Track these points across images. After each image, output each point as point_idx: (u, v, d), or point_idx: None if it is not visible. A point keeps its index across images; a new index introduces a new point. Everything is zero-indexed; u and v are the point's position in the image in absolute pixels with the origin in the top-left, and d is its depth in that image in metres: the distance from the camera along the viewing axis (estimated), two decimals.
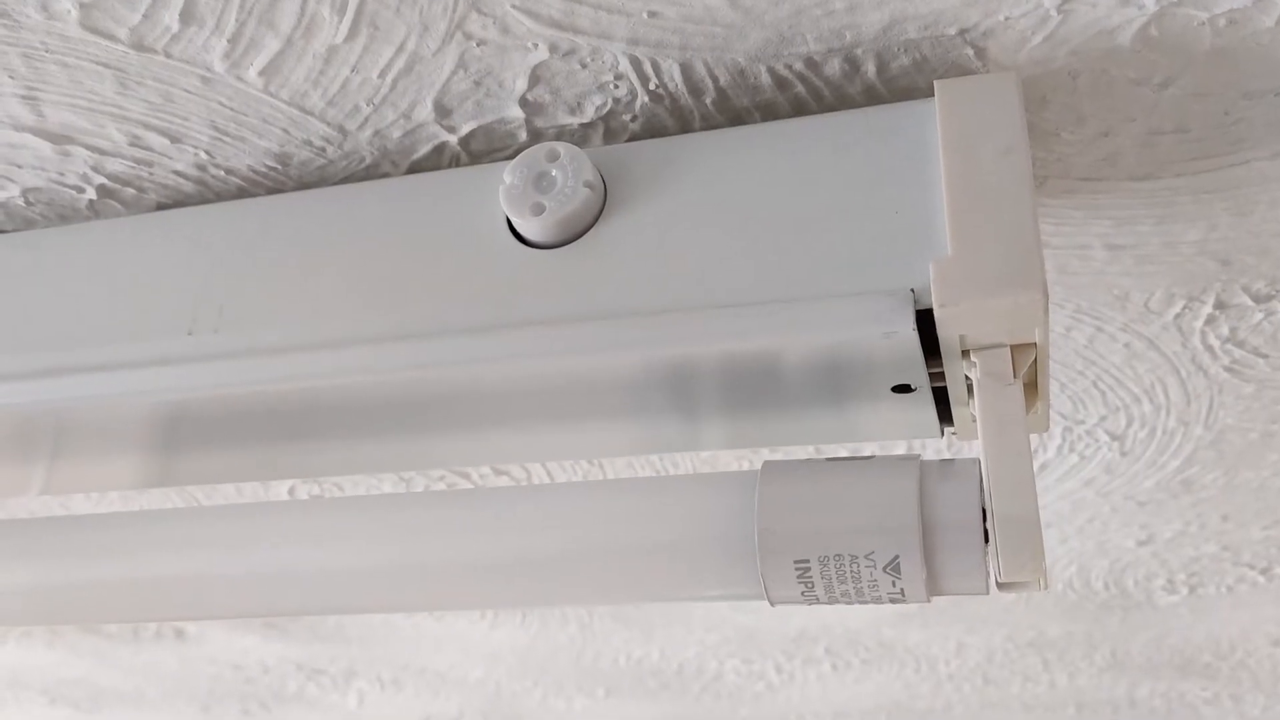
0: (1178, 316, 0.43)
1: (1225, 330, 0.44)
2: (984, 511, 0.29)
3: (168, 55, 0.33)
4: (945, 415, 0.34)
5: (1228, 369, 0.46)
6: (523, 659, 0.97)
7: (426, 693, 1.09)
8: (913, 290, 0.29)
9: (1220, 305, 0.42)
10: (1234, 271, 0.40)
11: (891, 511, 0.29)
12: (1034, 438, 0.53)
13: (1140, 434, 0.52)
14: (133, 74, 0.33)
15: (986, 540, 0.29)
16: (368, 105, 0.34)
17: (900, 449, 0.51)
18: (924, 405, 0.33)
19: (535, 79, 0.33)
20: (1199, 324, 0.43)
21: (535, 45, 0.32)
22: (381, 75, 0.33)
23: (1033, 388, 0.32)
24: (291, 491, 0.60)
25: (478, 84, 0.33)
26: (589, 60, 0.32)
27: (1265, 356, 0.45)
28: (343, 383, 0.33)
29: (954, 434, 0.35)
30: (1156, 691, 0.96)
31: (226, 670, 1.02)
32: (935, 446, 0.53)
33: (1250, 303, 0.42)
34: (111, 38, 0.32)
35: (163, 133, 0.35)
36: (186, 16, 0.31)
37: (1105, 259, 0.40)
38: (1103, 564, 0.69)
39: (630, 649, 0.93)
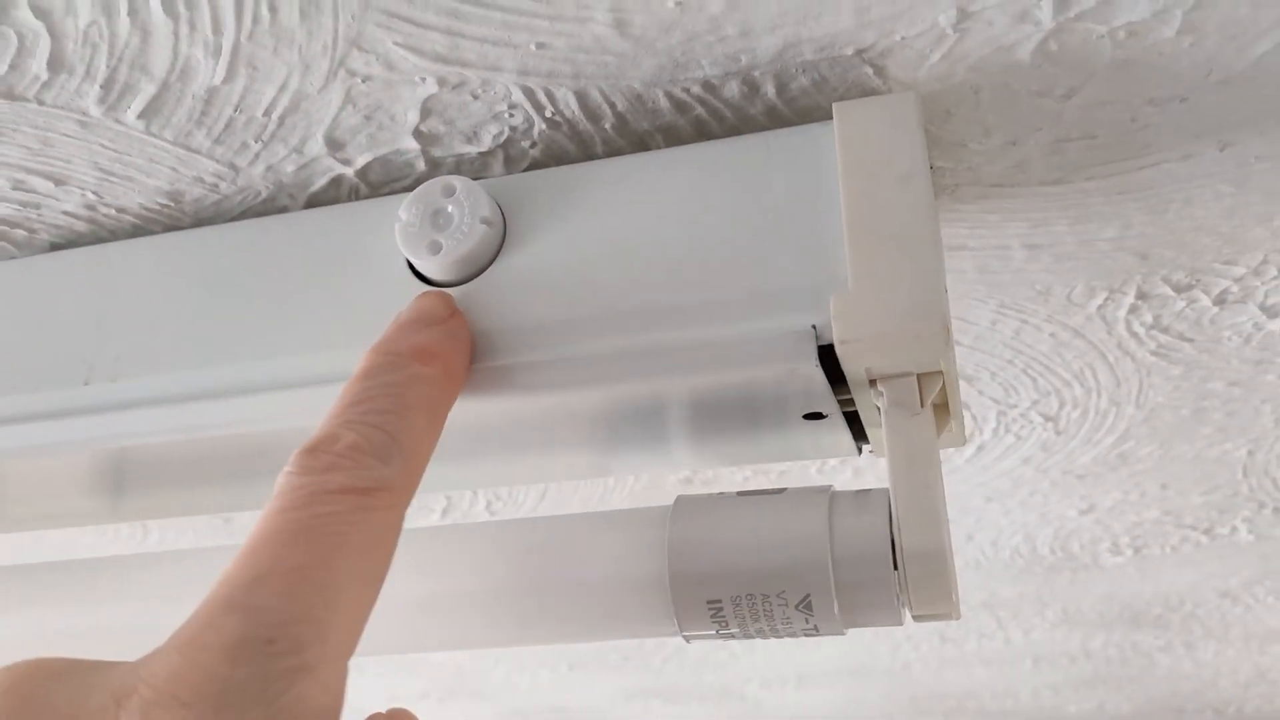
0: (1100, 307, 0.43)
1: (1149, 318, 0.43)
2: (894, 545, 0.28)
3: (40, 102, 0.31)
4: (861, 434, 0.33)
5: (1154, 353, 0.46)
6: None
7: (391, 673, 1.10)
8: (814, 326, 0.28)
9: (1142, 295, 0.42)
10: (1153, 264, 0.40)
11: (801, 550, 0.28)
12: (969, 421, 0.53)
13: (1073, 415, 0.52)
14: (6, 121, 0.32)
15: (897, 571, 0.28)
16: (256, 142, 0.33)
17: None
18: (838, 430, 0.32)
19: (427, 111, 0.32)
20: (1122, 313, 0.43)
21: (423, 79, 0.31)
22: (266, 113, 0.32)
23: (944, 408, 0.31)
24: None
25: (368, 118, 0.32)
26: (480, 92, 0.31)
27: (1191, 340, 0.45)
28: (247, 430, 0.33)
29: (871, 452, 0.34)
30: (1111, 642, 0.98)
31: None
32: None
33: (1171, 293, 0.41)
34: None
35: (46, 176, 0.34)
36: (55, 64, 0.30)
37: (1024, 258, 0.39)
38: (1047, 532, 0.69)
39: None
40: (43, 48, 0.29)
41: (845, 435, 0.33)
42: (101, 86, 0.31)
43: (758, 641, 0.98)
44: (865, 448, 0.34)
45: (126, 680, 0.20)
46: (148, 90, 0.31)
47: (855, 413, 0.32)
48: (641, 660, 1.03)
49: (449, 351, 0.29)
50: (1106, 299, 0.42)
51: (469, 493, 0.60)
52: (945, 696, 1.22)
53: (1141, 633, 0.94)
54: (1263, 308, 0.42)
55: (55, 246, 0.37)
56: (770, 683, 1.14)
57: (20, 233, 0.37)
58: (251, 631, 0.21)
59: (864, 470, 0.57)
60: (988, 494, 0.63)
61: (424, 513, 0.62)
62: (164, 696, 0.20)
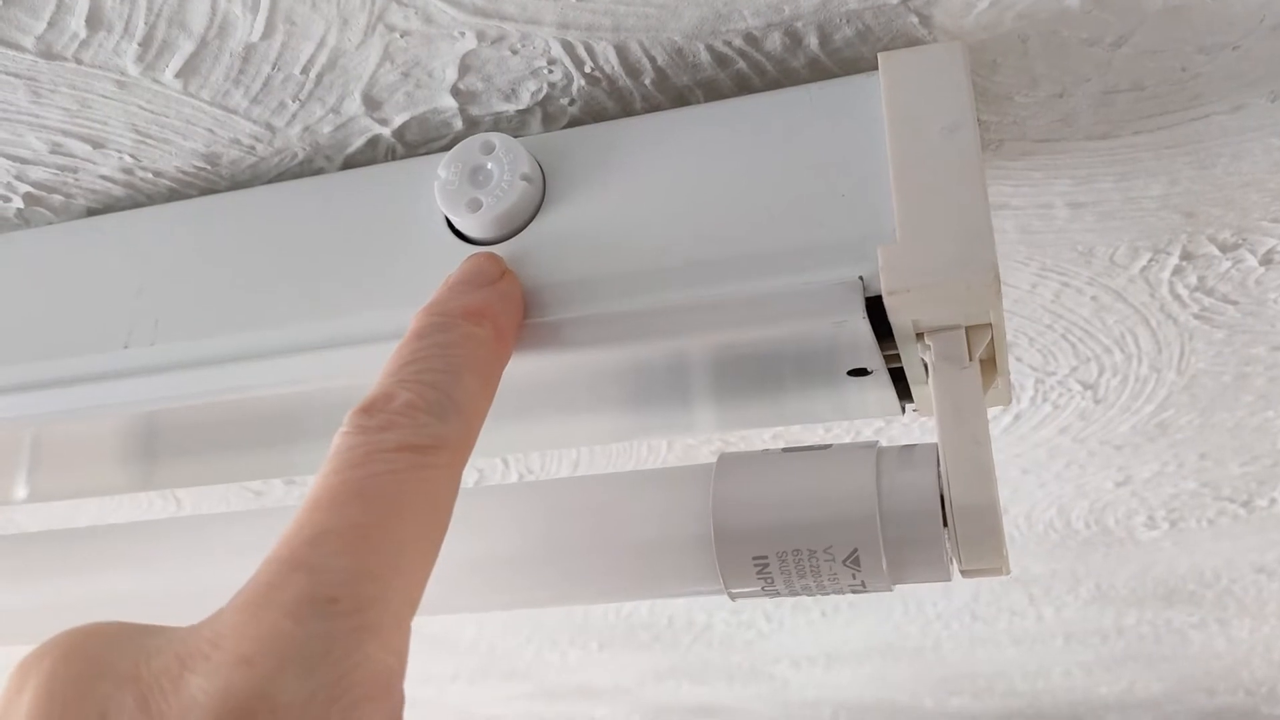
0: (1144, 269, 0.42)
1: (1193, 279, 0.43)
2: (943, 499, 0.28)
3: (78, 61, 0.31)
4: (906, 393, 0.33)
5: (1197, 316, 0.45)
6: (514, 617, 0.98)
7: (421, 655, 1.10)
8: (861, 278, 0.28)
9: (1187, 256, 0.41)
10: (1199, 223, 0.39)
11: (848, 505, 0.28)
12: None
13: (1113, 382, 0.52)
14: (45, 82, 0.32)
15: (947, 527, 0.28)
16: (294, 101, 0.33)
17: (871, 425, 0.50)
18: (882, 387, 0.32)
19: (465, 67, 0.32)
20: (1166, 275, 0.42)
21: (462, 34, 0.30)
22: (304, 71, 0.32)
23: (991, 364, 0.31)
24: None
25: (406, 75, 0.32)
26: (519, 46, 0.31)
27: (1235, 303, 0.44)
28: (285, 391, 0.32)
29: (916, 411, 0.34)
30: (1144, 619, 0.97)
31: None
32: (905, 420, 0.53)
33: (1217, 252, 0.41)
34: (18, 47, 0.30)
35: (83, 139, 0.34)
36: (93, 22, 0.30)
37: (1068, 217, 0.39)
38: (1082, 505, 0.69)
39: (619, 605, 0.93)
40: (81, 4, 0.29)
41: (890, 393, 0.32)
42: (140, 44, 0.30)
43: (787, 620, 0.97)
44: (909, 407, 0.34)
45: (189, 641, 0.20)
46: (186, 48, 0.31)
47: (900, 370, 0.31)
48: (671, 639, 1.03)
49: (500, 311, 0.28)
50: (1150, 260, 0.41)
51: (500, 465, 0.60)
52: (975, 676, 1.21)
53: (1175, 609, 0.93)
54: None
55: (92, 212, 0.37)
56: (799, 662, 1.14)
57: (57, 198, 0.37)
58: (315, 590, 0.20)
59: (899, 440, 0.57)
60: (1024, 465, 0.62)
61: None
62: (230, 655, 0.19)
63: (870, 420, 0.55)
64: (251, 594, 0.21)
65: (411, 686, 1.23)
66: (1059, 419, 0.56)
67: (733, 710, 1.44)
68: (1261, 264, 0.41)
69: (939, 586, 0.88)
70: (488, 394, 0.27)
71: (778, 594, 0.29)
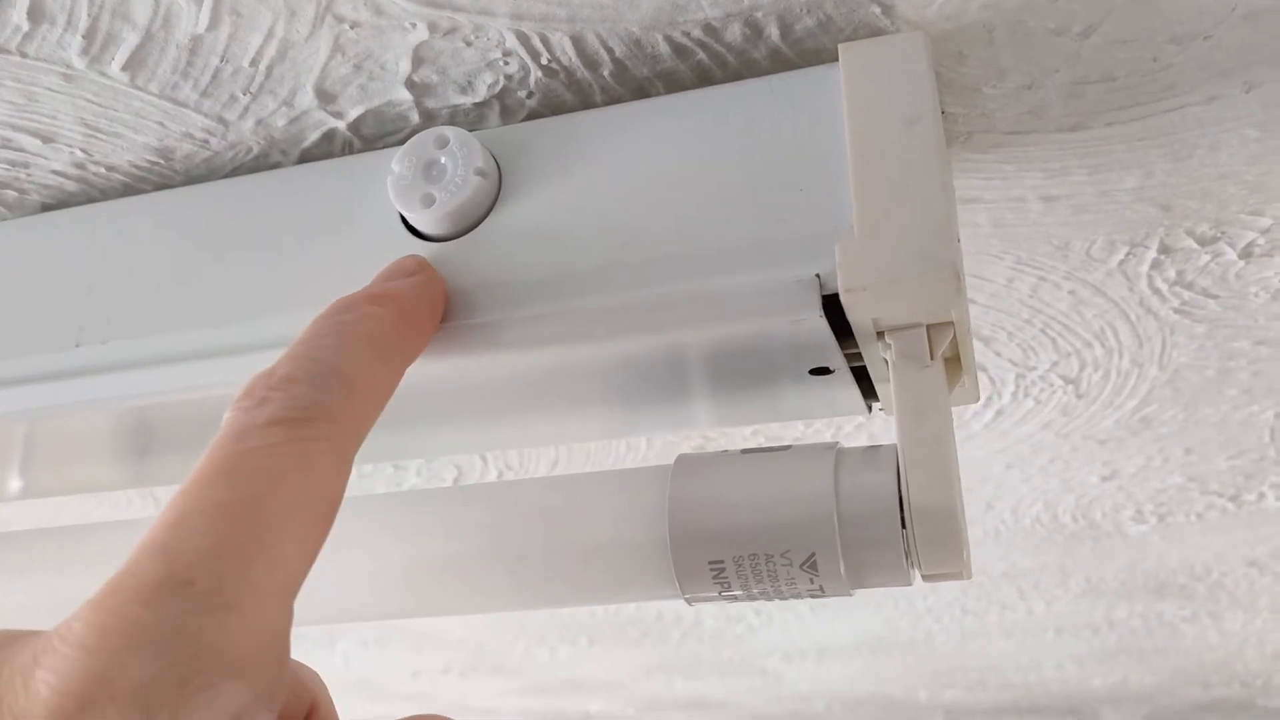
0: (1121, 263, 0.41)
1: (1172, 273, 0.42)
2: (901, 501, 0.27)
3: (22, 55, 0.30)
4: (870, 391, 0.32)
5: (1178, 311, 0.45)
6: (501, 616, 0.97)
7: (410, 650, 1.10)
8: (818, 275, 0.27)
9: (1165, 250, 0.40)
10: (1176, 216, 0.38)
11: (805, 508, 0.27)
12: (987, 385, 0.52)
13: (1094, 377, 0.51)
14: None
15: (905, 530, 0.27)
16: (244, 94, 0.32)
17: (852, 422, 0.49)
18: (846, 386, 0.31)
19: (419, 59, 0.31)
20: (1144, 269, 0.42)
21: (413, 25, 0.30)
22: (253, 63, 0.31)
23: (955, 362, 0.30)
24: None
25: (358, 68, 0.31)
26: (473, 38, 0.30)
27: (1215, 297, 0.44)
28: (237, 390, 0.32)
29: (882, 410, 0.33)
30: (1134, 613, 0.97)
31: None
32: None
33: (1195, 246, 0.40)
34: None
35: (33, 133, 0.33)
36: (35, 14, 0.29)
37: (1041, 210, 0.38)
38: (1069, 499, 0.68)
39: None
40: None
41: (854, 392, 0.32)
42: (84, 37, 0.30)
43: (776, 615, 0.97)
44: (875, 406, 0.33)
45: (45, 638, 0.20)
46: (131, 40, 0.30)
47: (864, 368, 0.31)
48: (660, 635, 1.03)
49: (408, 297, 0.28)
50: (1128, 254, 0.41)
51: (480, 462, 0.59)
52: (967, 670, 1.21)
53: (1166, 603, 0.93)
54: None
55: (46, 207, 0.37)
56: (790, 656, 1.14)
57: (10, 193, 0.36)
58: (169, 572, 0.20)
59: (879, 437, 0.56)
60: (1007, 460, 0.61)
61: (434, 483, 0.62)
62: (74, 648, 0.19)
63: (854, 418, 0.55)
64: (108, 584, 0.20)
65: (402, 681, 1.23)
66: (1041, 414, 0.55)
67: (726, 704, 1.44)
68: (1241, 257, 0.41)
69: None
70: (385, 371, 0.26)
71: (735, 599, 0.29)
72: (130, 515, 0.65)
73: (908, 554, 0.27)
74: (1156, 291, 0.43)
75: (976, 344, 0.48)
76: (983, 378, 0.51)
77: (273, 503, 0.21)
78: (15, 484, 0.41)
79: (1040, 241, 0.40)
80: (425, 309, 0.28)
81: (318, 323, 0.26)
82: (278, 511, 0.21)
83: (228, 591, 0.20)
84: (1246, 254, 0.40)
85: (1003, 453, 0.60)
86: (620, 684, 1.28)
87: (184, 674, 0.19)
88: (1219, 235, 0.39)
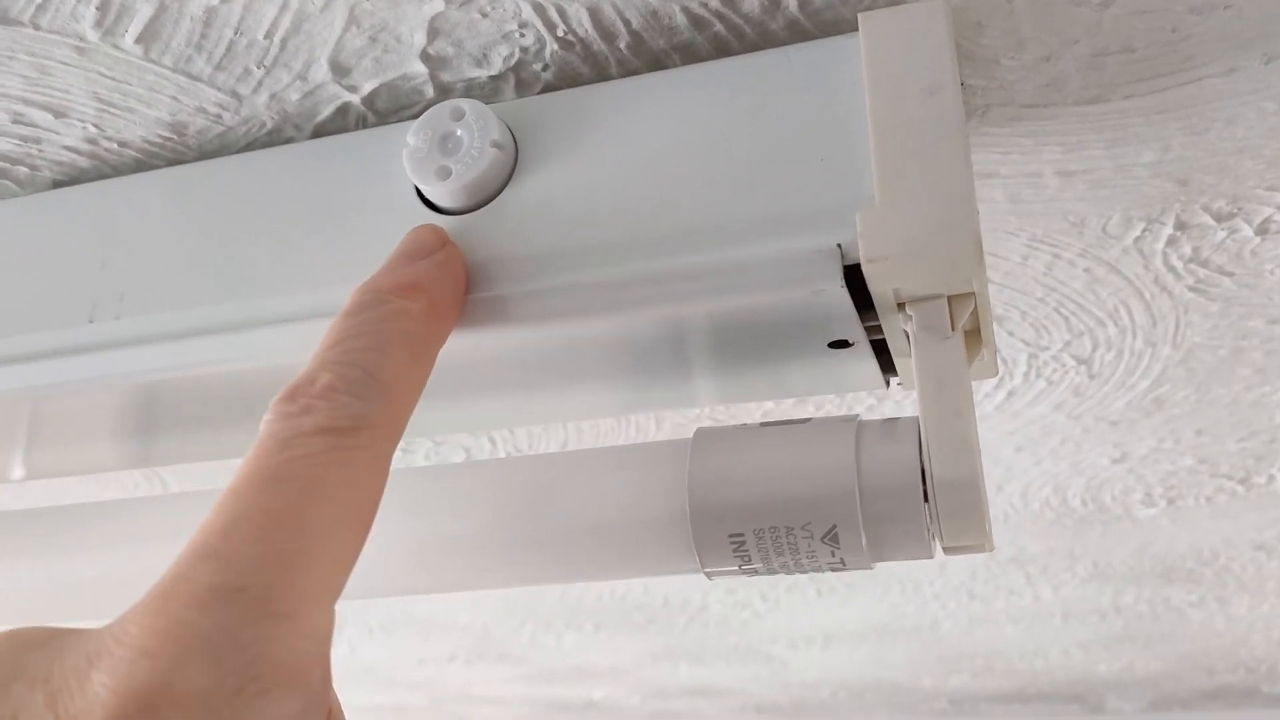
0: (1137, 240, 0.41)
1: (1188, 250, 0.42)
2: (924, 474, 0.27)
3: (35, 27, 0.30)
4: (889, 365, 0.32)
5: (1192, 289, 0.45)
6: (507, 601, 0.97)
7: (416, 637, 1.10)
8: (839, 245, 0.27)
9: (1181, 226, 0.40)
10: (1193, 191, 0.38)
11: (826, 480, 0.27)
12: (999, 365, 0.52)
13: (1107, 357, 0.51)
14: (2, 49, 0.31)
15: (928, 503, 0.27)
16: (258, 68, 0.32)
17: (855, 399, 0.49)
18: (864, 359, 0.31)
19: (434, 31, 0.31)
20: (1160, 246, 0.41)
21: None
22: (268, 36, 0.31)
23: (975, 335, 0.30)
24: None
25: (373, 40, 0.31)
26: (489, 9, 0.30)
27: (1230, 274, 0.43)
28: (253, 365, 0.32)
29: (900, 384, 0.33)
30: (1142, 598, 0.97)
31: None
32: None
33: (1212, 222, 0.40)
34: None
35: (45, 108, 0.33)
36: None
37: (1058, 185, 0.38)
38: (1079, 482, 0.68)
39: (613, 586, 0.92)
40: None
41: (872, 365, 0.31)
42: (97, 9, 0.30)
43: (783, 600, 0.97)
44: (893, 380, 0.33)
45: (98, 639, 0.20)
46: (145, 11, 0.30)
47: (883, 341, 0.31)
48: (666, 621, 1.03)
49: (435, 284, 0.27)
50: (1144, 230, 0.40)
51: (489, 443, 0.59)
52: (973, 656, 1.21)
53: (1173, 587, 0.93)
54: None
55: (58, 184, 0.36)
56: (796, 643, 1.14)
57: (22, 170, 0.36)
58: (222, 579, 0.20)
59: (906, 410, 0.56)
60: (1018, 443, 0.61)
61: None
62: (132, 649, 0.19)
63: (863, 400, 0.54)
64: (160, 587, 0.20)
65: (408, 668, 1.23)
66: (1053, 395, 0.55)
67: (732, 691, 1.44)
68: (1257, 234, 0.40)
69: (934, 565, 0.88)
70: (420, 369, 0.26)
71: (755, 572, 0.29)
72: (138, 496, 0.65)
73: (929, 526, 0.27)
74: (1171, 269, 0.43)
75: None
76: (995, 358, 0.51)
77: (319, 511, 0.22)
78: (29, 462, 0.41)
79: (1056, 218, 0.40)
80: (450, 295, 0.28)
81: (350, 321, 0.26)
82: (323, 520, 0.22)
83: (278, 599, 0.20)
84: (1263, 230, 0.40)
85: (1014, 434, 0.60)
86: (625, 670, 1.28)
87: (239, 682, 0.19)
88: (1235, 211, 0.39)
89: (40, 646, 0.21)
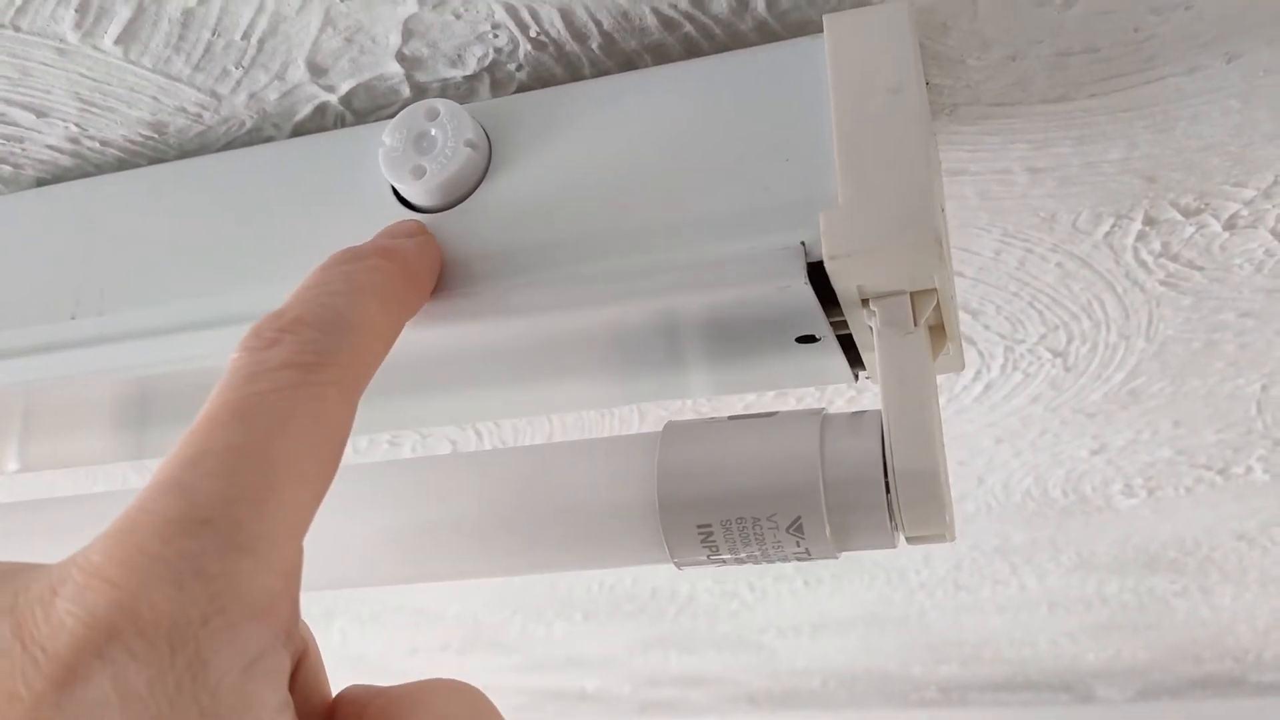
0: (1107, 235, 0.42)
1: (1157, 245, 0.42)
2: (885, 465, 0.28)
3: (16, 28, 0.31)
4: (857, 360, 0.33)
5: (1164, 283, 0.45)
6: (497, 593, 0.98)
7: (408, 628, 1.10)
8: (803, 243, 0.28)
9: (1150, 221, 0.41)
10: (1160, 188, 0.39)
11: (791, 473, 0.28)
12: (976, 358, 0.53)
13: (1082, 350, 0.51)
14: None
15: (889, 494, 0.28)
16: (236, 68, 0.32)
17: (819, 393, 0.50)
18: (832, 354, 0.32)
19: (409, 33, 0.31)
20: (1130, 241, 0.42)
21: None
22: (245, 37, 0.31)
23: (940, 330, 0.31)
24: None
25: (349, 41, 0.31)
26: (462, 11, 0.30)
27: (1201, 269, 0.44)
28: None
29: (868, 378, 0.34)
30: (1126, 587, 0.97)
31: None
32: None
33: (1180, 217, 0.40)
34: None
35: (26, 108, 0.34)
36: None
37: (1027, 182, 0.38)
38: (1059, 473, 0.69)
39: (602, 577, 0.93)
40: None
41: (840, 359, 0.32)
42: (77, 10, 0.30)
43: (771, 590, 0.98)
44: (862, 374, 0.34)
45: (62, 569, 0.20)
46: (123, 13, 0.30)
47: (850, 336, 0.31)
48: (656, 611, 1.04)
49: (412, 255, 0.28)
50: (1113, 225, 0.41)
51: (474, 436, 0.60)
52: (961, 644, 1.22)
53: (1157, 577, 0.94)
54: (1274, 233, 0.41)
55: (41, 182, 0.37)
56: (785, 632, 1.14)
57: (6, 168, 0.36)
58: (188, 510, 0.20)
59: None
60: (997, 435, 0.62)
61: None
62: (96, 579, 0.19)
63: (844, 394, 0.55)
64: (123, 518, 0.20)
65: (399, 658, 1.24)
66: (1030, 387, 0.55)
67: (722, 679, 1.45)
68: (1225, 229, 0.41)
69: (919, 555, 0.88)
70: (389, 321, 0.26)
71: (724, 563, 0.29)
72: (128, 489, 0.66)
73: (891, 517, 0.28)
74: (1142, 264, 0.44)
75: (965, 317, 0.48)
76: (971, 351, 0.52)
77: (285, 445, 0.22)
78: (11, 457, 0.41)
79: (1027, 214, 0.40)
80: (426, 268, 0.29)
81: (326, 269, 0.26)
82: (289, 454, 0.22)
83: (243, 533, 0.20)
84: (1230, 225, 0.41)
85: (993, 426, 0.61)
86: (616, 660, 1.29)
87: (205, 612, 0.19)
88: (1203, 207, 0.40)
89: (5, 579, 0.20)
